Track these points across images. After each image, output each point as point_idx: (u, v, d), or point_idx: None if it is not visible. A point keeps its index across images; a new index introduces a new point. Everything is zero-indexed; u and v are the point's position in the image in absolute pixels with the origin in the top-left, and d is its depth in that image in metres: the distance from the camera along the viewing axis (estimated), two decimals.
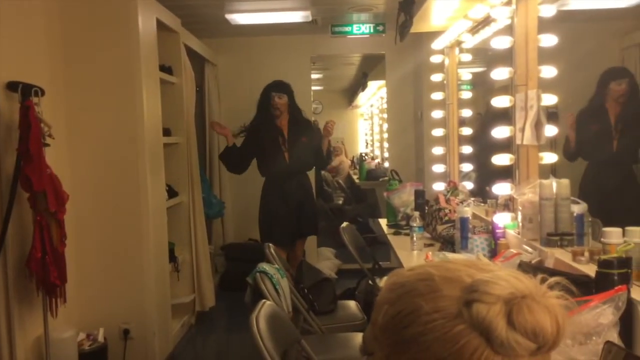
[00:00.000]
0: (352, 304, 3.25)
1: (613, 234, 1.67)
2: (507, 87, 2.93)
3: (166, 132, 3.80)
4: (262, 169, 4.15)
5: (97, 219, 3.19)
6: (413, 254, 2.84)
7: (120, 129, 3.19)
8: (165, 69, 3.84)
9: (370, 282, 3.46)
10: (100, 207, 3.19)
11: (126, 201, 3.21)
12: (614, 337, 1.28)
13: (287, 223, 4.04)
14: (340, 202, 7.19)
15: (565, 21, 2.78)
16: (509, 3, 2.51)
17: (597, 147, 3.27)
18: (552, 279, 0.63)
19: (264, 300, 2.13)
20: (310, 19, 4.57)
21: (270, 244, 2.99)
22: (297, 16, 4.54)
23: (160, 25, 3.60)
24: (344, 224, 3.65)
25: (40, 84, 2.65)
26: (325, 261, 5.50)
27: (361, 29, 4.95)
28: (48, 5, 3.02)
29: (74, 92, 3.14)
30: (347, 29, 4.93)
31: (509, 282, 0.61)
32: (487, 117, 3.81)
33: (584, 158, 3.21)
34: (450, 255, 2.43)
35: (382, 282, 3.49)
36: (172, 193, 3.97)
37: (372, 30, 4.96)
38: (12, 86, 2.53)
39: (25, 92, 2.53)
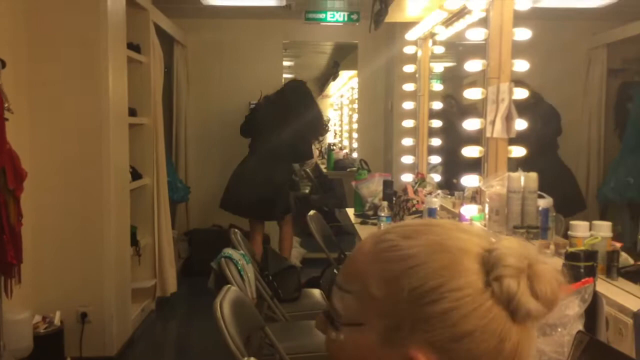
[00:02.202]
0: (316, 293, 3.24)
1: (580, 227, 1.69)
2: (475, 83, 2.95)
3: (132, 112, 3.71)
4: None
5: (57, 198, 3.10)
6: None
7: (84, 107, 3.09)
8: (133, 47, 3.74)
9: (335, 271, 3.46)
10: (60, 187, 3.10)
11: (88, 181, 3.13)
12: (579, 328, 1.29)
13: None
14: (307, 191, 7.16)
15: (536, 18, 2.80)
16: None
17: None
18: (539, 244, 0.66)
19: (228, 286, 2.10)
20: (284, 3, 4.51)
21: (237, 231, 2.95)
22: (271, 0, 4.48)
23: (130, 1, 3.49)
24: (311, 212, 3.63)
25: (1, 55, 2.54)
26: (294, 249, 5.47)
27: (335, 16, 4.93)
28: None
29: (37, 67, 3.03)
30: (321, 15, 4.89)
31: (518, 250, 0.61)
32: (454, 110, 3.84)
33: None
34: None
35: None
36: (135, 175, 3.88)
37: (346, 19, 4.93)
38: None
39: None
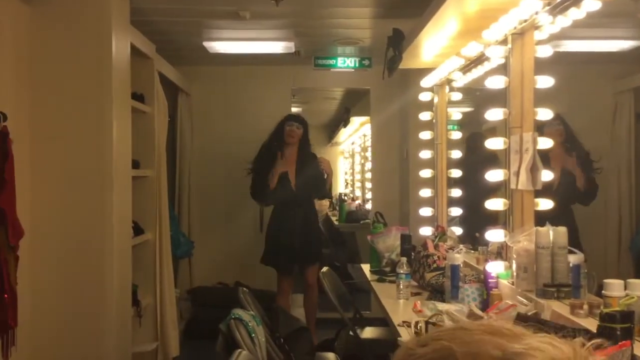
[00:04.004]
0: (331, 357, 3.22)
1: (615, 286, 1.71)
2: (494, 129, 3.01)
3: (135, 164, 3.78)
4: (268, 197, 4.65)
5: (58, 258, 3.13)
6: (399, 303, 2.85)
7: (87, 161, 3.16)
8: (137, 96, 3.85)
9: (350, 332, 3.45)
10: (61, 245, 3.13)
11: (89, 237, 3.17)
12: None
13: (289, 250, 4.52)
14: None
15: (559, 63, 2.88)
16: (504, 42, 2.60)
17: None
18: (591, 342, 0.60)
19: (239, 350, 2.11)
20: (293, 50, 4.65)
21: (245, 289, 2.97)
22: (279, 47, 4.62)
23: (134, 50, 3.62)
24: (324, 268, 3.65)
25: (2, 109, 2.63)
26: (299, 308, 5.45)
27: (346, 62, 5.04)
28: (16, 26, 3.02)
29: (39, 119, 3.12)
30: (331, 61, 5.02)
31: (545, 351, 0.57)
32: (471, 158, 3.89)
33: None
34: (441, 305, 2.44)
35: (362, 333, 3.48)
36: (137, 230, 3.93)
37: (357, 65, 5.05)
38: None
39: None
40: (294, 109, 7.02)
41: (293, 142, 4.62)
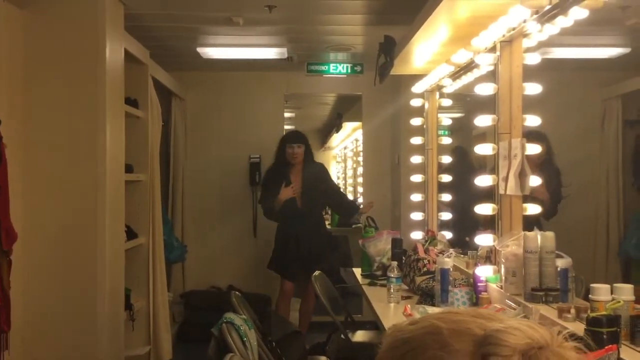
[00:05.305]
0: None
1: (601, 291, 1.71)
2: (484, 135, 3.03)
3: (128, 169, 3.77)
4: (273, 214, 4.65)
5: (50, 261, 3.11)
6: (390, 307, 2.85)
7: (80, 165, 3.15)
8: (130, 101, 3.84)
9: (342, 336, 3.44)
10: (54, 249, 3.12)
11: (82, 242, 3.16)
12: None
13: (297, 258, 4.57)
14: None
15: (548, 70, 2.89)
16: (493, 50, 2.61)
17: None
18: (568, 331, 0.65)
19: (230, 355, 2.11)
20: (286, 56, 4.66)
21: (238, 293, 2.97)
22: (272, 52, 4.62)
23: (128, 56, 3.62)
24: (316, 272, 3.65)
25: None
26: (293, 312, 5.44)
27: (338, 68, 5.06)
28: (10, 31, 3.01)
29: (33, 124, 3.11)
30: (324, 67, 5.03)
31: (524, 331, 0.61)
32: (460, 164, 3.90)
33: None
34: (431, 309, 2.44)
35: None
36: (131, 234, 3.92)
37: (349, 70, 5.06)
38: None
39: None
40: (287, 115, 7.02)
41: (297, 162, 4.65)
